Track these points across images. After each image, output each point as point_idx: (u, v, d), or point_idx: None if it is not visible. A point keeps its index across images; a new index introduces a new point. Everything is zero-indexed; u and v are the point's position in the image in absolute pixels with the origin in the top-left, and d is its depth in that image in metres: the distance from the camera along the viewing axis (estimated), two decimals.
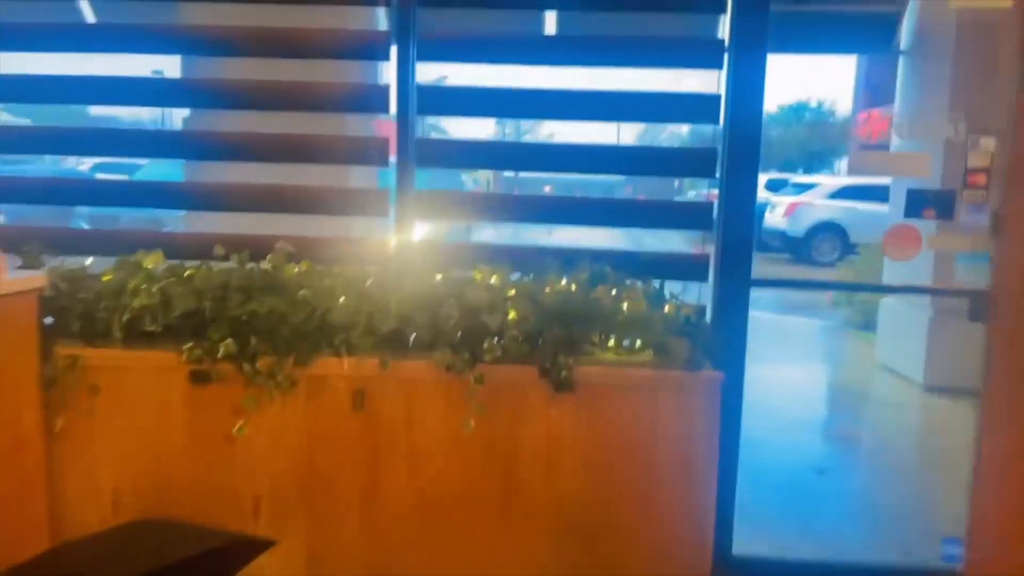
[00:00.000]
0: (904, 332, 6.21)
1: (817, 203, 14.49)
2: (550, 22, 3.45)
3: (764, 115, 2.66)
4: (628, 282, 2.56)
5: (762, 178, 2.87)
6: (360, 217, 2.83)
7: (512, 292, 2.46)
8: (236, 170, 2.90)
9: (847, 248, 13.12)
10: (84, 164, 15.29)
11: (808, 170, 28.27)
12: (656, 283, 2.60)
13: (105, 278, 2.52)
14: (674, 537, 2.41)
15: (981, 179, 2.67)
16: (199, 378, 2.38)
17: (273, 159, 2.82)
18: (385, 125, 2.84)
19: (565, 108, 2.81)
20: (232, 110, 2.91)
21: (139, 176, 10.55)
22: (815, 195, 14.88)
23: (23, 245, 2.57)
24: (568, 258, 2.64)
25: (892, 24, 5.90)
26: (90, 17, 4.26)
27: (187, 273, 2.48)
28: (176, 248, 2.73)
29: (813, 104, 35.36)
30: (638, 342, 2.44)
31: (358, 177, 3.22)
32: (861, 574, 2.94)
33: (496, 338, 2.35)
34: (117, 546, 2.07)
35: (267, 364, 2.36)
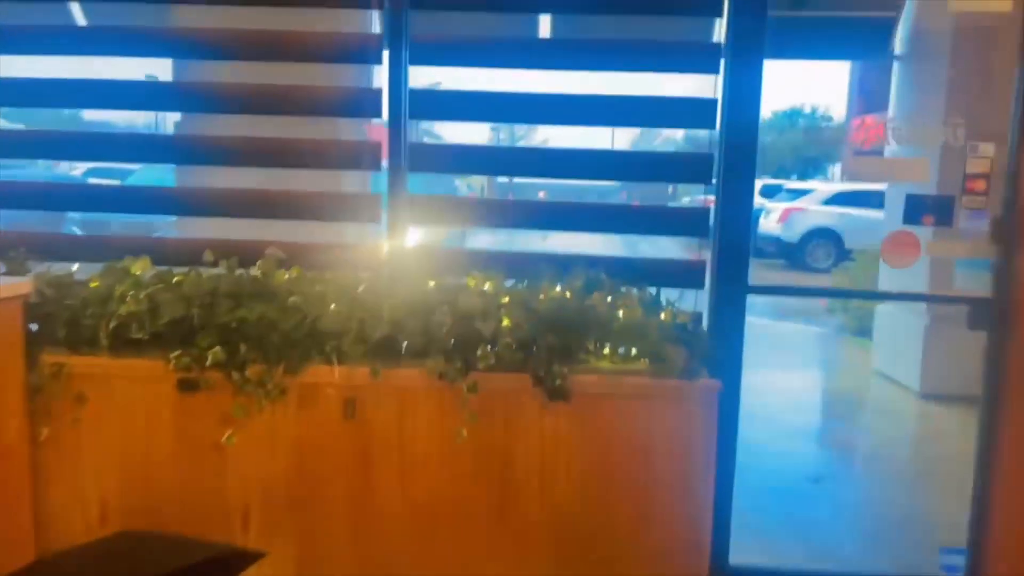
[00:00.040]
0: (900, 339, 6.20)
1: (811, 209, 14.50)
2: (544, 25, 3.43)
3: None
4: (624, 289, 2.53)
5: (756, 184, 2.85)
6: (352, 222, 2.79)
7: (506, 299, 2.42)
8: (227, 175, 2.86)
9: (841, 254, 13.12)
10: (77, 169, 15.22)
11: (802, 176, 28.32)
12: (652, 290, 2.57)
13: (92, 284, 2.47)
14: (670, 547, 2.37)
15: (980, 185, 2.65)
16: (187, 386, 2.33)
17: (264, 163, 2.78)
18: (378, 130, 2.81)
19: (560, 112, 2.78)
20: (222, 114, 2.87)
21: (131, 181, 10.48)
22: (809, 201, 14.89)
23: (8, 251, 2.53)
24: (563, 264, 2.60)
25: (887, 29, 5.90)
26: (81, 20, 4.23)
27: (175, 279, 2.43)
28: (164, 254, 2.68)
29: (807, 110, 35.47)
30: (634, 350, 2.40)
31: (351, 182, 3.19)
32: None
33: (490, 346, 2.32)
34: (103, 558, 2.02)
35: (257, 372, 2.32)
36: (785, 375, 6.71)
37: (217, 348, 2.31)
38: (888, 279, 6.02)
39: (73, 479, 2.42)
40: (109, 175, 12.90)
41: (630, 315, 2.39)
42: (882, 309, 6.70)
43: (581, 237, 3.01)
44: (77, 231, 8.66)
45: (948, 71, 5.17)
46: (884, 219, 6.44)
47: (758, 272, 2.62)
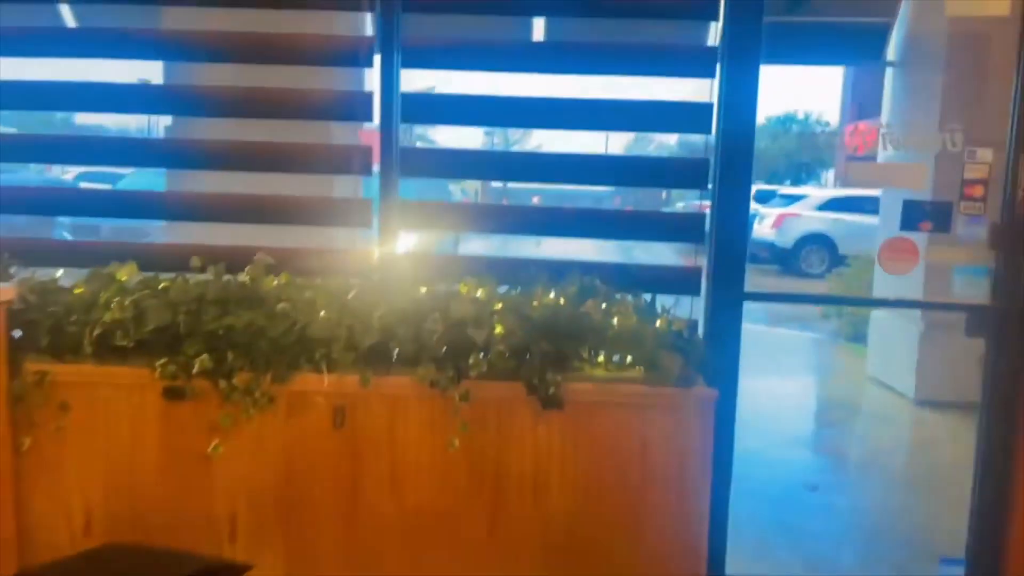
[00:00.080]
0: (895, 345, 6.18)
1: (805, 215, 14.53)
2: (538, 29, 3.40)
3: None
4: (618, 296, 2.49)
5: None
6: (342, 228, 2.76)
7: (499, 305, 2.38)
8: (219, 179, 2.82)
9: (835, 260, 13.13)
10: (69, 173, 15.14)
11: (795, 182, 28.41)
12: (647, 297, 2.53)
13: (77, 291, 2.43)
14: (666, 557, 2.33)
15: (978, 191, 2.62)
16: (173, 395, 2.29)
17: (252, 168, 2.74)
18: (370, 134, 2.77)
19: (553, 117, 2.74)
20: (211, 117, 2.83)
21: (122, 185, 10.41)
22: (803, 207, 14.93)
23: None
24: (556, 271, 2.56)
25: (882, 35, 5.90)
26: (71, 22, 4.19)
27: (162, 286, 2.39)
28: (151, 260, 2.64)
29: (800, 116, 35.59)
30: (629, 358, 2.36)
31: (345, 187, 3.15)
32: None
33: (482, 353, 2.28)
34: (87, 572, 1.98)
35: (244, 380, 2.28)
36: (780, 381, 6.68)
37: (204, 356, 2.26)
38: (883, 285, 6.01)
39: (57, 489, 2.37)
40: (101, 179, 12.85)
41: (625, 322, 2.36)
42: (877, 315, 6.69)
43: (575, 243, 2.98)
44: (67, 235, 8.60)
45: (942, 77, 5.16)
46: (879, 225, 6.44)
47: (752, 278, 2.60)
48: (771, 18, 2.56)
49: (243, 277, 2.47)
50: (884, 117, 6.17)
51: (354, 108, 2.73)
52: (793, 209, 14.91)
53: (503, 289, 2.54)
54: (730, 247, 2.61)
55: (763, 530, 3.56)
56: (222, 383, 2.27)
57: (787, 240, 14.31)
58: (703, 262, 2.67)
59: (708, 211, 2.65)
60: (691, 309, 2.61)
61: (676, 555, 2.33)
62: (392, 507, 2.34)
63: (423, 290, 2.46)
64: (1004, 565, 2.65)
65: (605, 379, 2.33)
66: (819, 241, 14.17)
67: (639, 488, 2.31)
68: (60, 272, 2.55)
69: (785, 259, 14.20)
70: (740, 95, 2.55)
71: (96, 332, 2.30)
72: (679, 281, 2.67)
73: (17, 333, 2.37)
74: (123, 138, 3.00)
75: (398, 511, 2.35)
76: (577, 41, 2.75)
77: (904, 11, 5.78)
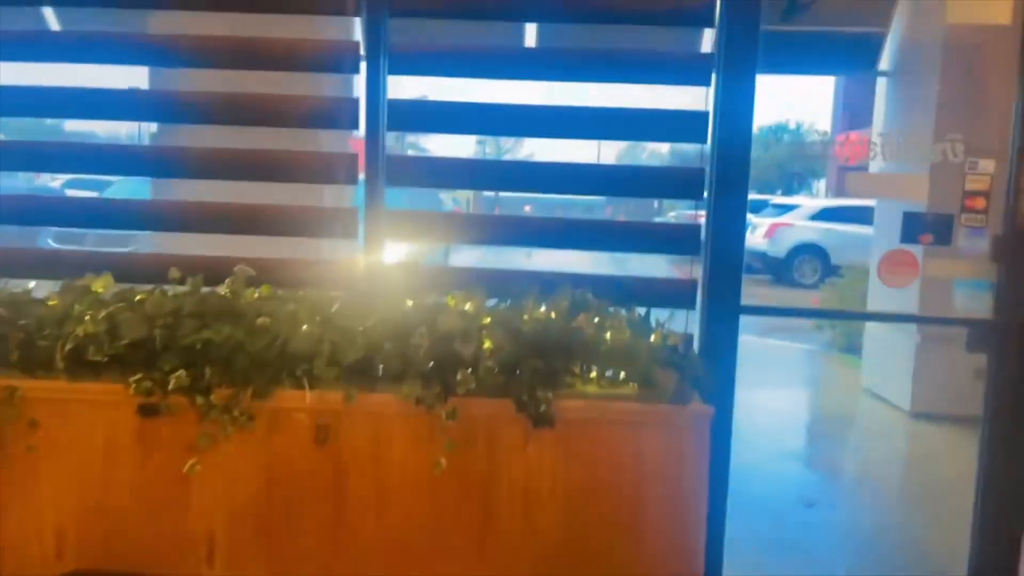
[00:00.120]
0: (890, 357, 6.13)
1: (798, 224, 14.55)
2: (531, 35, 3.34)
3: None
4: (611, 309, 2.42)
5: None
6: (327, 238, 2.68)
7: (488, 319, 2.31)
8: (204, 187, 2.74)
9: (828, 270, 13.14)
10: (57, 180, 15.04)
11: (787, 191, 28.45)
12: (641, 310, 2.46)
13: (50, 303, 2.35)
14: None
15: (980, 202, 2.56)
16: (148, 412, 2.20)
17: (234, 176, 2.66)
18: (360, 142, 2.70)
19: (545, 125, 2.68)
20: (190, 124, 2.76)
21: (110, 192, 10.31)
22: (795, 216, 14.95)
23: None
24: (548, 283, 2.49)
25: (876, 45, 5.87)
26: (53, 26, 4.11)
27: (137, 298, 2.31)
28: (129, 271, 2.56)
29: (792, 125, 35.72)
30: (622, 374, 2.29)
31: (334, 196, 3.08)
32: None
33: (470, 369, 2.20)
34: None
35: (223, 397, 2.19)
36: (773, 393, 6.62)
37: (180, 371, 2.18)
38: (878, 296, 5.97)
39: (27, 509, 2.28)
40: (88, 186, 12.76)
41: (618, 337, 2.29)
42: (872, 326, 6.64)
43: (567, 254, 2.91)
44: (52, 243, 8.49)
45: (937, 87, 5.13)
46: (875, 236, 6.40)
47: (745, 287, 2.54)
48: (766, 27, 2.51)
49: (222, 289, 2.39)
50: (876, 127, 6.15)
51: (339, 115, 2.66)
52: (786, 219, 14.93)
53: (492, 302, 2.48)
54: (726, 259, 2.54)
55: (759, 548, 3.49)
56: (199, 400, 2.18)
57: (780, 250, 14.32)
58: (698, 273, 2.61)
59: (703, 222, 2.59)
60: (686, 323, 2.54)
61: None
62: (377, 529, 2.26)
63: (409, 303, 2.39)
64: None
65: (598, 396, 2.26)
66: (812, 251, 14.20)
67: (633, 509, 2.24)
68: (33, 284, 2.47)
69: (778, 269, 14.21)
70: (736, 103, 2.49)
71: (68, 346, 2.21)
72: (674, 294, 2.60)
73: None
74: (103, 145, 2.92)
75: (383, 533, 2.26)
76: (570, 48, 2.69)
77: (898, 21, 5.75)
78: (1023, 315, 2.53)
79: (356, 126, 2.58)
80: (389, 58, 2.55)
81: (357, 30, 2.76)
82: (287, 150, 2.66)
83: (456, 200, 16.46)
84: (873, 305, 6.32)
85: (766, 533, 3.70)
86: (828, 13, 5.75)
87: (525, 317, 2.32)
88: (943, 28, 4.80)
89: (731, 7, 2.47)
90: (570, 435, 2.22)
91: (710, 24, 2.53)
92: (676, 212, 15.32)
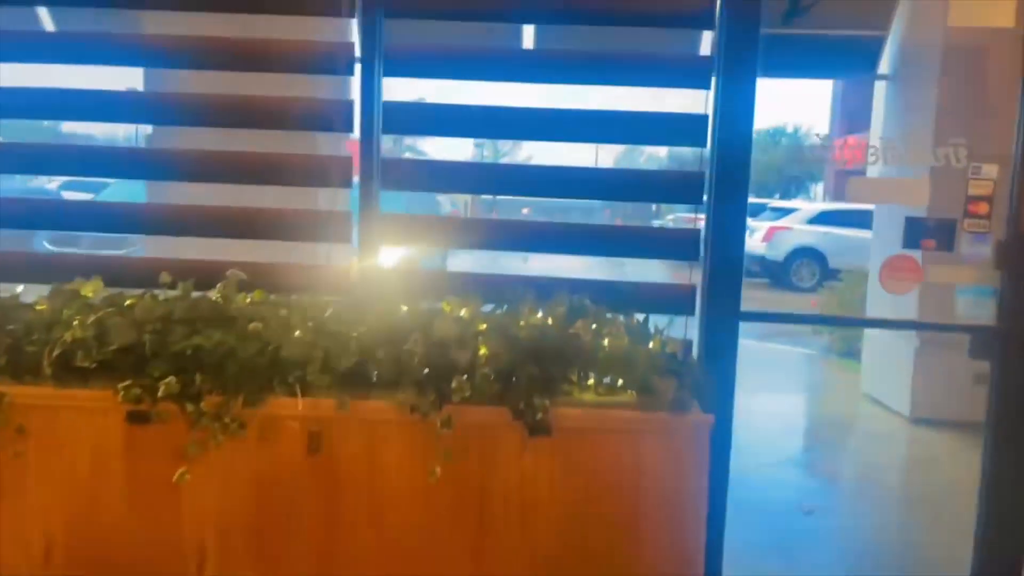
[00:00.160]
0: (889, 362, 6.10)
1: (796, 228, 14.55)
2: (528, 36, 3.31)
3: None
4: (609, 315, 2.39)
5: None
6: (321, 242, 2.65)
7: (483, 326, 2.27)
8: (199, 190, 2.70)
9: (826, 273, 13.15)
10: (53, 182, 15.01)
11: (785, 195, 28.48)
12: (640, 317, 2.43)
13: (38, 308, 2.31)
14: None
15: (983, 208, 2.53)
16: (137, 419, 2.16)
17: (229, 179, 2.63)
18: (357, 145, 2.67)
19: (543, 128, 2.65)
20: (185, 126, 2.72)
21: (106, 195, 10.27)
22: (794, 220, 14.96)
23: None
24: (544, 289, 2.46)
25: (876, 49, 5.85)
26: (49, 26, 4.08)
27: (127, 303, 2.27)
28: (120, 275, 2.53)
29: (789, 129, 35.76)
30: (620, 381, 2.26)
31: (327, 200, 3.05)
32: None
33: (465, 376, 2.17)
34: None
35: (213, 404, 2.15)
36: (772, 398, 6.60)
37: (170, 378, 2.14)
38: (877, 301, 5.94)
39: (14, 517, 2.25)
40: (85, 188, 12.72)
41: (616, 344, 2.25)
42: (871, 331, 6.61)
43: (564, 258, 2.87)
44: (48, 246, 8.46)
45: (937, 90, 5.11)
46: (874, 240, 6.37)
47: (743, 291, 2.51)
48: (765, 30, 2.48)
49: (214, 294, 2.35)
50: (874, 131, 6.13)
51: (334, 118, 2.62)
52: (784, 222, 14.95)
53: (488, 308, 2.44)
54: (726, 265, 2.51)
55: (758, 555, 3.46)
56: (189, 407, 2.15)
57: (778, 254, 14.33)
58: (697, 279, 2.57)
59: (703, 226, 2.56)
60: (685, 329, 2.51)
61: None
62: (371, 538, 2.23)
63: (404, 309, 2.36)
64: None
65: (595, 404, 2.22)
66: (810, 255, 14.22)
67: (631, 519, 2.20)
68: (21, 288, 2.43)
69: (776, 273, 14.22)
70: (736, 106, 2.46)
71: (56, 352, 2.18)
72: (673, 300, 2.56)
73: None
74: (98, 147, 2.89)
75: (377, 542, 2.23)
76: (568, 50, 2.66)
77: (898, 24, 5.73)
78: None
79: (351, 128, 2.54)
80: (385, 60, 2.52)
81: (353, 31, 2.74)
82: (282, 153, 2.62)
83: (454, 203, 16.44)
84: (872, 309, 6.30)
85: (765, 540, 3.67)
86: (828, 16, 5.72)
87: (521, 323, 2.29)
88: (944, 31, 4.77)
89: (731, 9, 2.44)
90: (567, 443, 2.18)
91: (710, 26, 2.51)
92: (674, 216, 15.28)
